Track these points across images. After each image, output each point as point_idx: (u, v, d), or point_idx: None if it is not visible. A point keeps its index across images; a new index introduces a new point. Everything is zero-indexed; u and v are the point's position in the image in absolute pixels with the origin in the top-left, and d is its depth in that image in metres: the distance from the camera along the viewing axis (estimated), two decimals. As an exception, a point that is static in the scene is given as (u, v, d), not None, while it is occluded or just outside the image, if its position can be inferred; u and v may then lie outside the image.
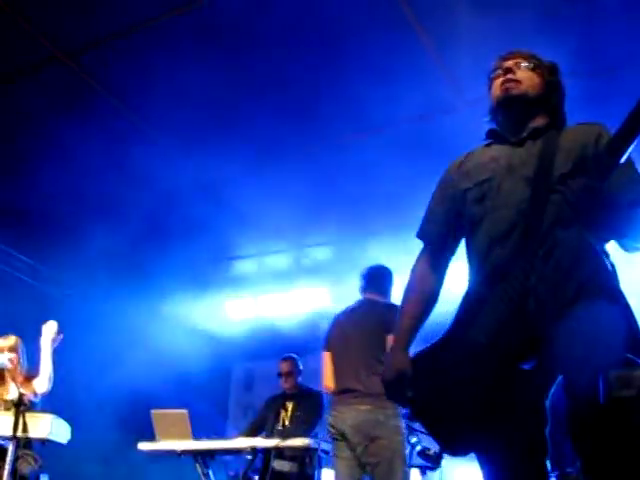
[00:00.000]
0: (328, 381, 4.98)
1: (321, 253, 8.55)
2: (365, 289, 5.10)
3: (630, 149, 1.93)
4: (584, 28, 4.56)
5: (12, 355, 4.97)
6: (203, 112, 5.75)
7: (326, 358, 5.03)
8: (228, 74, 5.27)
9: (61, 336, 5.08)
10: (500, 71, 2.49)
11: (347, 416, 4.56)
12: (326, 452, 5.44)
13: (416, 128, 5.72)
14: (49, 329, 5.03)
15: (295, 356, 6.41)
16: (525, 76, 2.44)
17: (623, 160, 1.96)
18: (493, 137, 2.56)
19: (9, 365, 4.80)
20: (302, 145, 6.16)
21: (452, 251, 2.61)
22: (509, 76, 2.44)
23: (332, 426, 4.68)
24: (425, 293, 2.57)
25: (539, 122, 2.44)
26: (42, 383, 4.96)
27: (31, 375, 5.07)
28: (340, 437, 4.62)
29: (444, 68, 5.08)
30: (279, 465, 5.40)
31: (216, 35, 4.93)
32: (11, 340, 5.08)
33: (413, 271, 2.62)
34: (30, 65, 5.34)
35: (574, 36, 4.51)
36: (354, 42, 4.87)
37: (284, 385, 6.26)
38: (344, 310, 5.13)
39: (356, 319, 4.87)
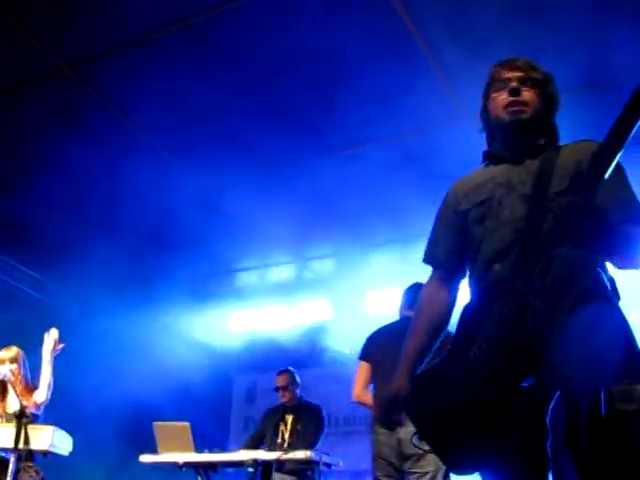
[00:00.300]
0: (360, 391, 4.97)
1: (323, 265, 8.55)
2: (405, 307, 5.06)
3: (613, 163, 1.92)
4: (592, 40, 4.57)
5: (14, 366, 4.97)
6: (204, 126, 5.78)
7: (362, 366, 5.02)
8: (227, 89, 5.29)
9: (62, 345, 5.08)
10: (502, 85, 2.42)
11: (398, 429, 4.56)
12: (328, 465, 5.43)
13: (417, 141, 5.73)
14: (51, 336, 5.03)
15: (291, 369, 6.41)
16: (530, 97, 2.38)
17: (611, 174, 1.95)
18: (490, 159, 2.55)
19: (11, 377, 4.80)
20: (303, 158, 6.18)
21: (462, 272, 2.58)
22: (516, 98, 2.37)
23: (384, 444, 4.68)
24: (435, 315, 2.55)
25: (538, 140, 2.43)
26: (41, 392, 4.96)
27: (33, 387, 5.06)
28: (389, 455, 4.66)
29: (444, 80, 5.10)
30: (280, 478, 5.38)
31: (216, 51, 4.96)
32: (12, 351, 5.08)
33: (423, 294, 2.61)
34: (32, 77, 5.37)
35: (583, 48, 4.53)
36: (353, 56, 4.87)
37: (282, 399, 6.27)
38: (385, 326, 5.12)
39: (399, 337, 4.86)
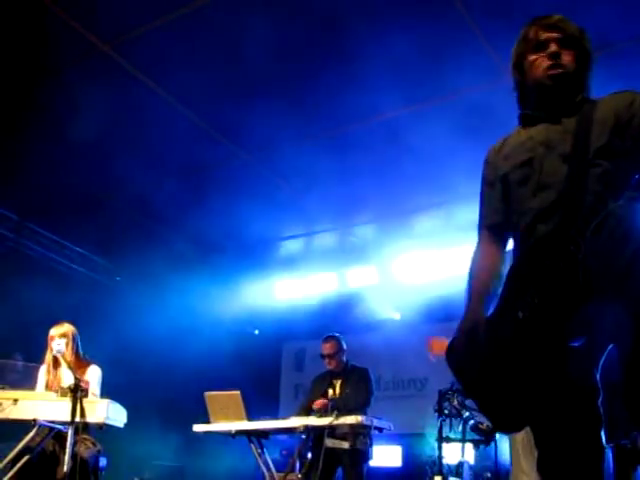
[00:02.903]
0: None
1: (368, 231, 8.52)
2: None
3: None
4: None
5: (63, 341, 5.03)
6: (245, 95, 5.76)
7: None
8: (270, 56, 5.26)
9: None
10: (540, 47, 2.37)
11: None
12: (380, 429, 5.44)
13: (459, 102, 5.63)
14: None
15: (337, 335, 6.24)
16: (569, 60, 2.34)
17: None
18: (527, 121, 2.49)
19: (64, 350, 4.89)
20: (346, 122, 6.12)
21: (508, 232, 2.53)
22: (557, 62, 2.33)
23: None
24: (491, 270, 2.49)
25: (574, 98, 2.37)
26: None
27: (86, 362, 5.15)
28: None
29: (485, 40, 4.99)
30: (332, 443, 5.41)
31: (251, 18, 4.92)
32: (63, 327, 5.15)
33: (475, 254, 2.56)
34: (71, 56, 5.40)
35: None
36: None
37: (329, 366, 6.14)
38: None
39: None
